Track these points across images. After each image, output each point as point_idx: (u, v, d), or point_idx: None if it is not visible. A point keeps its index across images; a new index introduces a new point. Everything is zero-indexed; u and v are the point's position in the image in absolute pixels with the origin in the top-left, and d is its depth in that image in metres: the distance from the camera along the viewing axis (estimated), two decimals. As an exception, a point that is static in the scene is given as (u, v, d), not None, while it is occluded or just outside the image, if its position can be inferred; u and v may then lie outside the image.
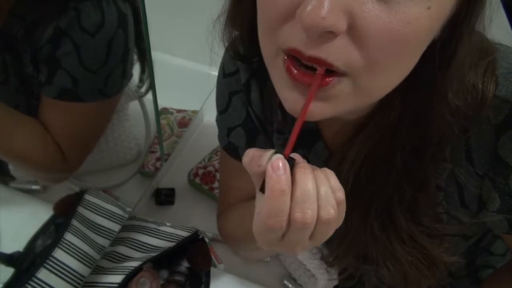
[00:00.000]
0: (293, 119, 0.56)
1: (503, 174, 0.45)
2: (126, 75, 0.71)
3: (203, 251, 0.69)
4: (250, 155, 0.37)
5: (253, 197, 0.66)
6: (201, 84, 1.17)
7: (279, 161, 0.34)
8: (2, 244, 0.63)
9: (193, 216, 0.94)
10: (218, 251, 0.87)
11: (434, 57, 0.38)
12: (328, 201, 0.35)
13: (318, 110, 0.37)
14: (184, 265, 0.70)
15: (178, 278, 0.68)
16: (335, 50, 0.34)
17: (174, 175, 1.03)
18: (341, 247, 0.58)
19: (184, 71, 1.30)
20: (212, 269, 0.71)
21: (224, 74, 0.62)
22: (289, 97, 0.38)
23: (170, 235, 0.72)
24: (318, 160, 0.58)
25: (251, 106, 0.60)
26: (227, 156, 0.66)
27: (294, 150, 0.60)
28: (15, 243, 0.64)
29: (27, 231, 0.65)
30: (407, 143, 0.45)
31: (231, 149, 0.65)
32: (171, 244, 0.69)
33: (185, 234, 0.71)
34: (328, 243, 0.67)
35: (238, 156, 0.64)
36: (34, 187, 0.77)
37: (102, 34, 0.62)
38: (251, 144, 0.62)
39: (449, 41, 0.38)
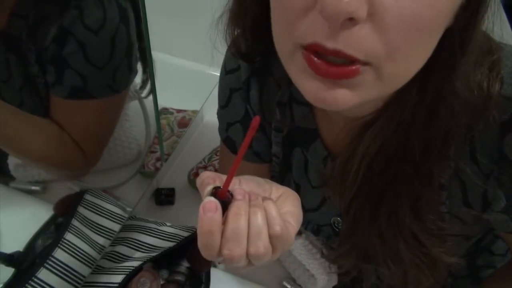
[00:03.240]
0: (291, 118, 0.57)
1: (509, 172, 0.45)
2: (132, 69, 0.72)
3: (203, 251, 0.69)
4: (202, 179, 0.39)
5: None
6: (201, 84, 1.17)
7: (210, 204, 0.35)
8: (2, 244, 0.63)
9: (193, 216, 0.93)
10: (218, 251, 0.87)
11: (449, 45, 0.38)
12: (259, 238, 0.36)
13: (343, 98, 0.37)
14: (184, 265, 0.70)
15: (178, 278, 0.68)
16: (355, 40, 0.33)
17: (174, 175, 1.02)
18: (346, 245, 0.59)
19: (184, 71, 1.30)
20: (212, 269, 0.71)
21: (226, 71, 0.63)
22: (311, 87, 0.38)
23: (170, 235, 0.72)
24: (316, 159, 0.58)
25: (249, 104, 0.61)
26: (226, 149, 0.67)
27: (293, 148, 0.60)
28: (15, 243, 0.64)
29: (27, 231, 0.65)
30: (420, 138, 0.45)
31: (229, 143, 0.66)
32: (171, 244, 0.69)
33: (185, 234, 0.71)
34: (329, 239, 0.68)
35: (235, 151, 0.65)
36: (34, 187, 0.77)
37: (105, 31, 0.62)
38: None
39: (463, 28, 0.38)
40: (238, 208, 0.36)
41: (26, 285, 0.55)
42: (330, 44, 0.34)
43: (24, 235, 0.65)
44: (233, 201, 0.37)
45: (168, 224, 0.76)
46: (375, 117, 0.47)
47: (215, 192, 0.37)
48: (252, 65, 0.58)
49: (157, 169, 0.96)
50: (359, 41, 0.33)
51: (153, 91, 0.78)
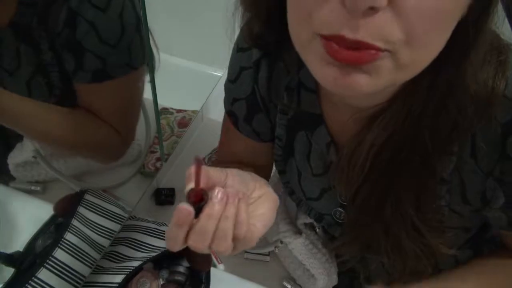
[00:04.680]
0: (298, 103, 0.59)
1: (509, 170, 0.46)
2: (144, 44, 0.72)
3: (203, 251, 0.69)
4: (186, 175, 0.41)
5: (241, 163, 0.70)
6: (201, 84, 1.17)
7: (183, 208, 0.38)
8: (2, 244, 0.63)
9: (193, 216, 0.94)
10: (218, 251, 0.87)
11: (461, 36, 0.39)
12: (223, 240, 0.40)
13: (360, 84, 0.37)
14: (184, 265, 0.70)
15: (178, 278, 0.68)
16: (375, 27, 0.34)
17: (174, 175, 1.02)
18: (349, 234, 0.59)
19: (184, 71, 1.30)
20: (212, 269, 0.71)
21: (238, 49, 0.63)
22: (329, 74, 0.38)
23: (170, 235, 0.72)
24: (321, 143, 0.59)
25: (257, 85, 0.62)
26: (229, 121, 0.68)
27: (297, 131, 0.62)
28: (15, 243, 0.64)
29: (27, 231, 0.65)
30: (428, 129, 0.46)
31: (232, 116, 0.67)
32: (171, 244, 0.69)
33: (185, 234, 0.71)
34: (330, 227, 0.68)
35: (237, 125, 0.67)
36: (34, 187, 0.77)
37: (112, 7, 0.63)
38: (249, 119, 0.65)
39: (476, 20, 0.38)
40: (211, 210, 0.39)
41: (26, 285, 0.55)
42: (350, 35, 0.34)
43: (24, 235, 0.65)
44: (209, 201, 0.39)
45: (168, 224, 0.76)
46: (383, 108, 0.48)
47: (189, 195, 0.39)
48: (262, 49, 0.59)
49: (157, 169, 0.96)
50: (379, 28, 0.34)
51: (153, 91, 0.78)
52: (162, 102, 0.96)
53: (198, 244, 0.40)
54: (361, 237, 0.58)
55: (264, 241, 0.85)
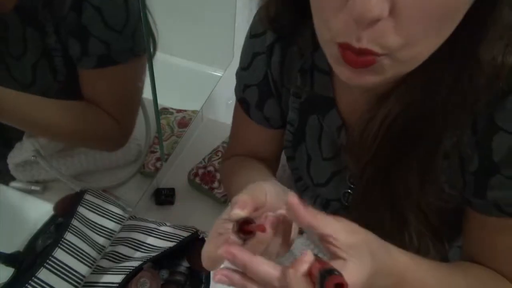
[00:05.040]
0: (311, 85, 0.60)
1: (489, 132, 0.47)
2: (146, 32, 0.73)
3: (203, 251, 0.69)
4: (235, 201, 0.41)
5: (252, 154, 0.72)
6: (201, 84, 1.17)
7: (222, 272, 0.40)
8: (2, 244, 0.63)
9: (193, 216, 0.94)
10: (218, 251, 0.87)
11: (478, 15, 0.40)
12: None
13: (370, 80, 0.43)
14: (184, 265, 0.70)
15: (178, 278, 0.68)
16: (374, 36, 0.38)
17: (174, 175, 1.02)
18: (354, 213, 0.60)
19: (184, 71, 1.30)
20: (212, 269, 0.71)
21: (251, 35, 0.65)
22: (344, 73, 0.44)
23: (170, 235, 0.72)
24: (332, 127, 0.60)
25: (270, 69, 0.63)
26: (239, 108, 0.70)
27: (309, 115, 0.64)
28: (15, 243, 0.64)
29: (27, 231, 0.65)
30: (442, 101, 0.47)
31: (243, 104, 0.69)
32: (171, 244, 0.69)
33: (185, 234, 0.71)
34: (336, 214, 0.69)
35: (248, 112, 0.69)
36: (34, 187, 0.77)
37: None
38: (261, 104, 0.67)
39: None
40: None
41: (26, 285, 0.55)
42: (356, 44, 0.39)
43: (24, 235, 0.65)
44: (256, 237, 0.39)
45: (168, 224, 0.76)
46: (396, 85, 0.50)
47: (241, 226, 0.39)
48: (277, 31, 0.61)
49: (157, 169, 0.96)
50: (378, 37, 0.38)
51: (153, 91, 0.78)
52: (162, 102, 0.96)
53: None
54: (366, 216, 0.58)
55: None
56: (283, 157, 0.75)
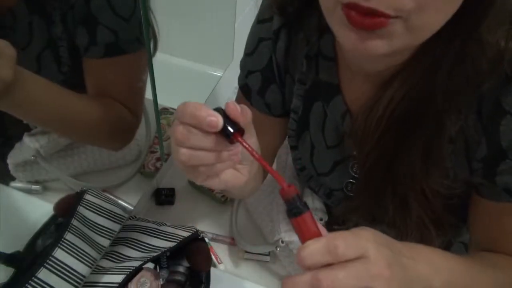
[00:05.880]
0: (316, 72, 0.60)
1: (496, 117, 0.47)
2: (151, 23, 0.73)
3: (203, 251, 0.69)
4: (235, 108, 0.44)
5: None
6: (201, 84, 1.17)
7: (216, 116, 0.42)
8: (2, 244, 0.63)
9: (193, 216, 0.94)
10: (218, 251, 0.87)
11: None
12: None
13: (376, 46, 0.42)
14: (184, 265, 0.70)
15: (178, 278, 0.68)
16: None
17: (174, 175, 1.02)
18: (357, 199, 0.60)
19: (184, 71, 1.30)
20: (212, 269, 0.71)
21: (258, 20, 0.65)
22: (349, 38, 0.42)
23: (170, 235, 0.72)
24: (336, 114, 0.60)
25: (275, 54, 0.64)
26: (242, 96, 0.71)
27: (313, 102, 0.64)
28: (15, 243, 0.64)
29: (27, 231, 0.65)
30: (444, 84, 0.47)
31: (246, 90, 0.69)
32: (171, 244, 0.69)
33: (185, 234, 0.71)
34: (339, 204, 0.68)
35: (249, 99, 0.69)
36: (34, 187, 0.78)
37: None
38: (263, 90, 0.67)
39: None
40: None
41: (26, 285, 0.55)
42: (364, 3, 0.38)
43: (24, 235, 0.65)
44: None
45: (168, 224, 0.76)
46: (399, 70, 0.50)
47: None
48: (285, 17, 0.61)
49: (157, 169, 0.96)
50: None
51: (153, 91, 0.78)
52: (162, 102, 0.96)
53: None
54: (369, 204, 0.58)
55: (264, 241, 0.86)
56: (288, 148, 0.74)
